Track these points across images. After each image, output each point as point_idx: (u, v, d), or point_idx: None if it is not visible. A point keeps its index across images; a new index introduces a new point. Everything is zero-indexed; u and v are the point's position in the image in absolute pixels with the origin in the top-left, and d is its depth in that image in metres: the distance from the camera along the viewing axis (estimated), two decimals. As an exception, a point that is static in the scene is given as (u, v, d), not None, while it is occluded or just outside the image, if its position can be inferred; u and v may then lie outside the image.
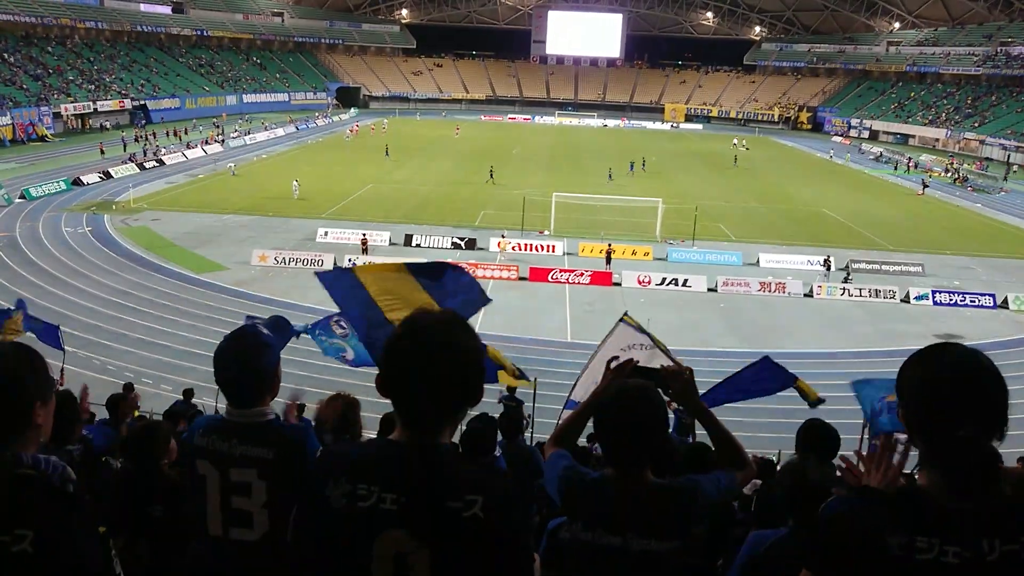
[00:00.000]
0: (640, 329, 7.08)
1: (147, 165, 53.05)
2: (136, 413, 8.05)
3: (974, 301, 29.68)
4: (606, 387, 2.98)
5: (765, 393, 8.33)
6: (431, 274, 6.53)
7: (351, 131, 77.11)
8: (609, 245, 33.17)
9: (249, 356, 3.03)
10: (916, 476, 2.17)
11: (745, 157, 71.93)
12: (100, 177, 47.96)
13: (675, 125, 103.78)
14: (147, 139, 62.91)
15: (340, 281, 6.77)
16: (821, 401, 8.63)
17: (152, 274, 29.40)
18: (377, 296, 6.47)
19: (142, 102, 78.54)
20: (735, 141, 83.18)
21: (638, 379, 2.92)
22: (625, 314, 7.58)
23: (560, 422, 3.25)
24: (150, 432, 4.46)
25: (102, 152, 56.70)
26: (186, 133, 68.60)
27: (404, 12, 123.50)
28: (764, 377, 8.36)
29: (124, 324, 23.93)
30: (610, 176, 53.34)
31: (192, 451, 3.05)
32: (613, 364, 3.09)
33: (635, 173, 57.50)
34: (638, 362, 3.09)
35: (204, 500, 2.99)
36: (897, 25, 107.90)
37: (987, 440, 2.02)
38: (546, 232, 37.50)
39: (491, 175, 51.56)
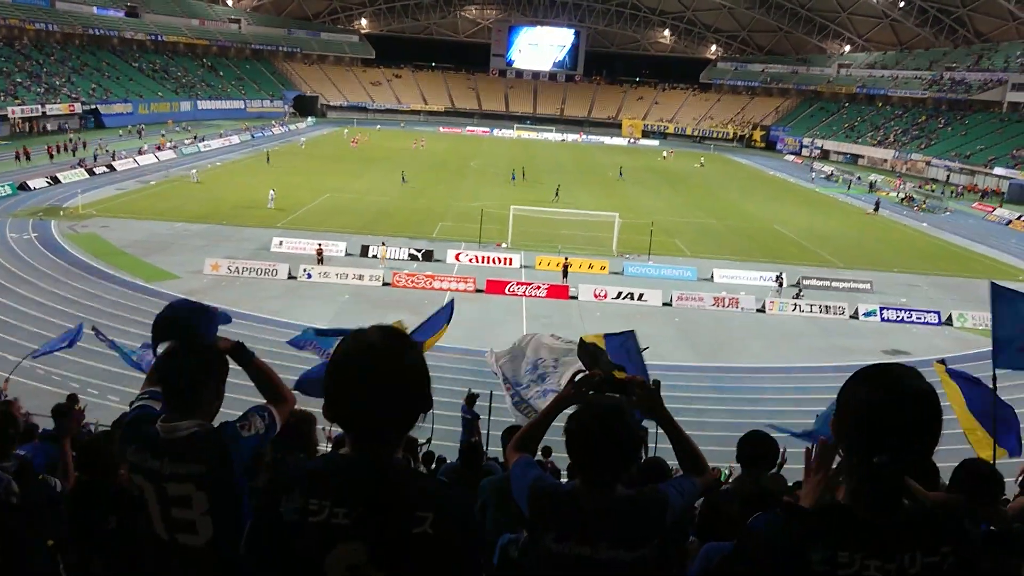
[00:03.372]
0: (512, 352, 7.78)
1: (97, 171, 51.91)
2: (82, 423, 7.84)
3: (920, 318, 30.44)
4: (567, 397, 3.04)
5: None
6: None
7: (353, 143, 77.53)
8: (566, 259, 33.35)
9: (203, 370, 3.02)
10: (837, 491, 2.21)
11: (699, 173, 73.34)
12: (48, 182, 46.77)
13: (633, 140, 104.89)
14: (75, 146, 59.81)
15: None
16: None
17: (100, 282, 28.71)
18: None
19: (93, 106, 76.91)
20: (664, 154, 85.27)
21: (611, 394, 2.94)
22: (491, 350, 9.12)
23: (523, 426, 3.26)
24: (104, 443, 4.34)
25: (51, 156, 55.42)
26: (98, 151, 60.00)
27: (364, 22, 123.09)
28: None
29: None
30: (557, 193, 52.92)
31: (127, 464, 3.04)
32: (577, 377, 3.10)
33: (516, 182, 58.26)
34: (601, 374, 3.11)
35: (146, 508, 2.99)
36: (848, 48, 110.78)
37: (908, 465, 2.05)
38: (503, 245, 37.56)
39: (557, 193, 51.00)
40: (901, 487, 2.08)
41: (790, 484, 5.68)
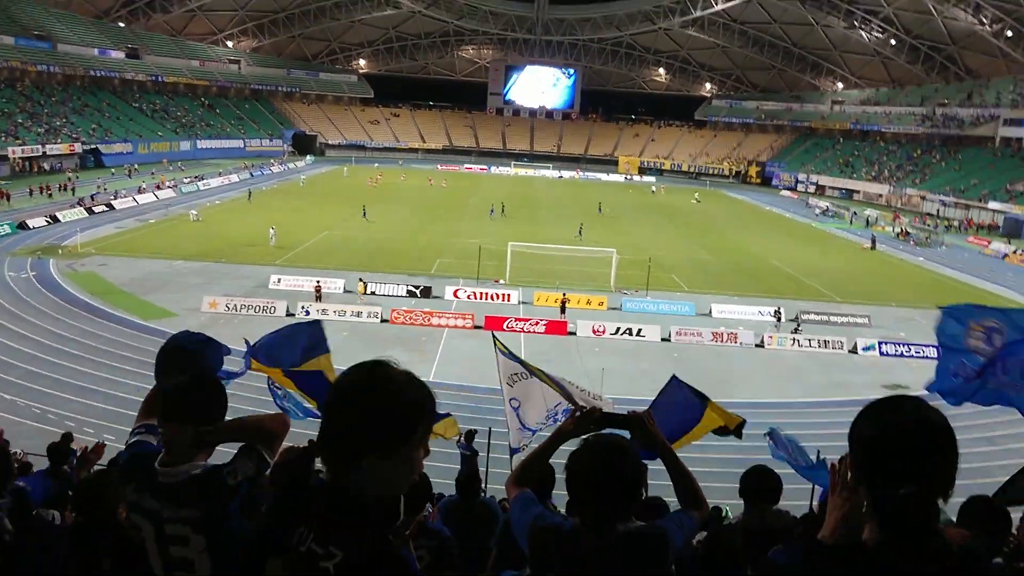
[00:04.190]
0: (511, 355, 7.02)
1: (96, 209, 52.12)
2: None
3: (919, 352, 30.35)
4: (567, 431, 3.02)
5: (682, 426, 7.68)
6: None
7: (373, 182, 78.19)
8: (564, 294, 33.36)
9: (212, 407, 2.98)
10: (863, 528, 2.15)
11: (696, 209, 73.86)
12: (47, 221, 46.93)
13: (630, 177, 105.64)
14: (73, 185, 59.73)
15: None
16: (743, 424, 7.80)
17: (98, 320, 28.66)
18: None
19: (93, 146, 77.45)
20: (653, 188, 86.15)
21: (612, 433, 2.91)
22: (493, 337, 7.35)
23: (521, 461, 3.23)
24: (101, 482, 4.27)
25: (50, 195, 55.67)
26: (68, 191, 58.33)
27: (362, 62, 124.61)
28: (678, 402, 7.72)
29: (67, 371, 23.22)
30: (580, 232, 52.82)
31: (126, 502, 3.01)
32: (578, 413, 3.08)
33: (495, 217, 59.02)
34: (602, 411, 3.10)
35: (143, 546, 2.96)
36: (841, 85, 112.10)
37: (932, 498, 1.99)
38: (501, 281, 37.60)
39: (580, 232, 51.24)
40: (925, 522, 2.00)
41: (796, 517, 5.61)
